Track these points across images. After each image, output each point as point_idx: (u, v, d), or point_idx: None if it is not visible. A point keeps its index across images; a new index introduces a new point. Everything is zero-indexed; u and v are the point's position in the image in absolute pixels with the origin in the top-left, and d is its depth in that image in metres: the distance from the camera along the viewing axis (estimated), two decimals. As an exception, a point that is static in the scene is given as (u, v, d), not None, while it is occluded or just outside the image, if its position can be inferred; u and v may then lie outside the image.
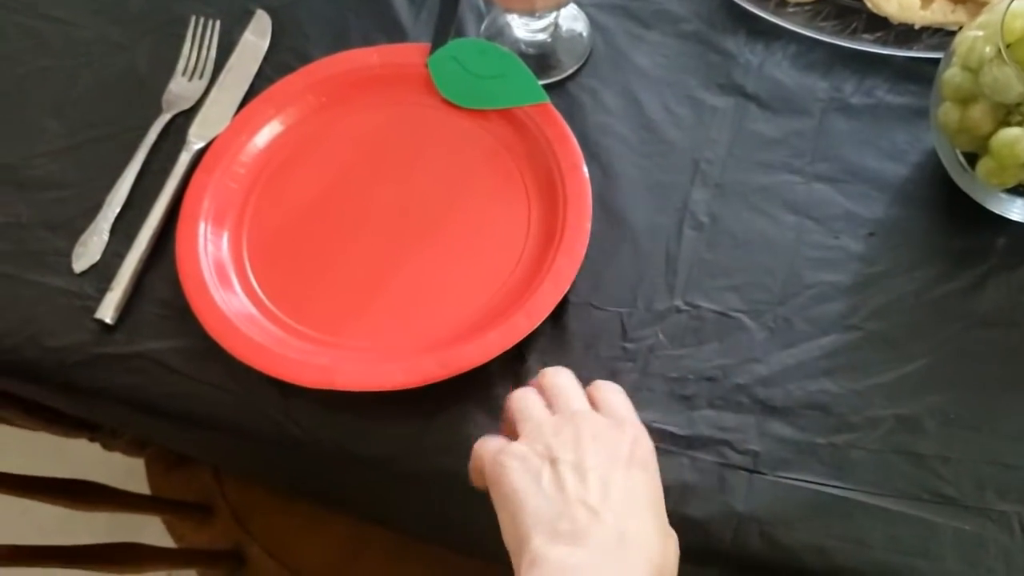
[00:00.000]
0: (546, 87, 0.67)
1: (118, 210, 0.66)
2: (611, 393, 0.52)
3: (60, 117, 0.70)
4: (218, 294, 0.61)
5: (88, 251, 0.65)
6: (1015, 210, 0.59)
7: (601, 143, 0.66)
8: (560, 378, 0.52)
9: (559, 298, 0.59)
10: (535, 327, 0.58)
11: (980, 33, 0.57)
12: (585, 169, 0.63)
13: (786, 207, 0.63)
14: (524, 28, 0.69)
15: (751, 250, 0.62)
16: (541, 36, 0.69)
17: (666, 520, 0.47)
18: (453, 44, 0.68)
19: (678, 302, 0.60)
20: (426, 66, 0.68)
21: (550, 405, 0.51)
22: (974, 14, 0.66)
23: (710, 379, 0.58)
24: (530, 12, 0.66)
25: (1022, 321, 0.58)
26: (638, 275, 0.61)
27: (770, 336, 0.59)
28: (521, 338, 0.58)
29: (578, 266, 0.60)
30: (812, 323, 0.59)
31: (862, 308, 0.59)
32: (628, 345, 0.59)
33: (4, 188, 0.68)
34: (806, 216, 0.62)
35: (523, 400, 0.51)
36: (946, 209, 0.62)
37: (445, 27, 0.68)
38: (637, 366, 0.58)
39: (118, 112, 0.70)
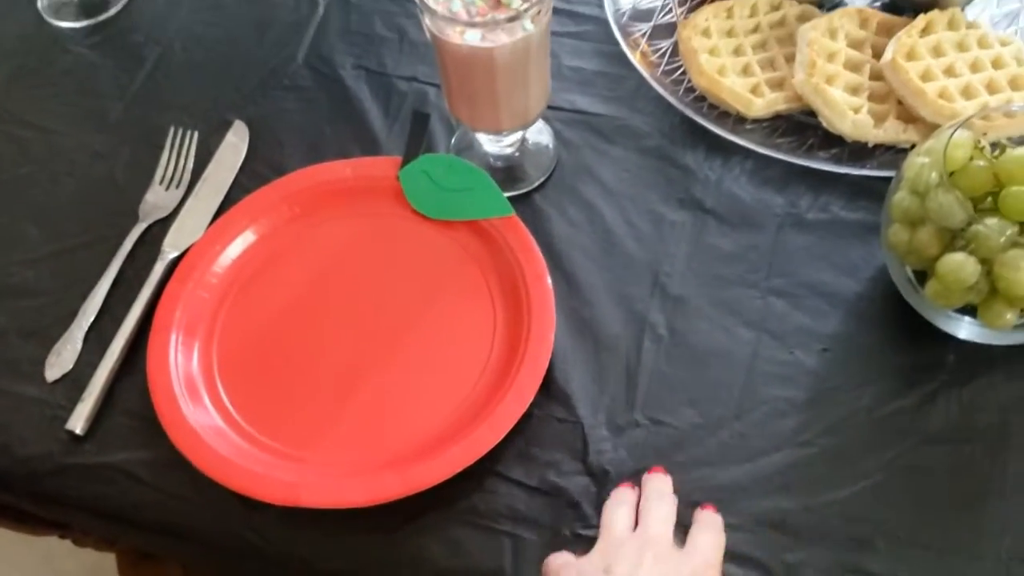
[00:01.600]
0: (513, 199, 0.69)
1: (92, 319, 0.67)
2: (701, 531, 0.55)
3: (40, 224, 0.72)
4: (186, 407, 0.62)
5: (61, 360, 0.66)
6: (963, 329, 0.61)
7: (565, 254, 0.68)
8: (656, 496, 0.56)
9: (522, 411, 0.60)
10: (497, 442, 0.59)
11: (926, 160, 0.59)
12: (549, 280, 0.65)
13: (743, 322, 0.65)
14: (492, 144, 0.71)
15: (708, 364, 0.63)
16: (509, 150, 0.72)
17: None
18: (423, 158, 0.70)
19: (638, 416, 0.61)
20: (397, 179, 0.70)
21: (637, 516, 0.55)
22: (924, 133, 0.69)
23: (668, 493, 0.59)
24: (496, 132, 0.69)
25: (972, 437, 0.60)
26: (599, 388, 0.63)
27: (727, 451, 0.60)
28: (484, 453, 0.59)
29: (541, 379, 0.61)
30: (767, 438, 0.60)
31: (816, 423, 0.61)
32: (590, 459, 0.60)
33: (-20, 295, 0.69)
34: (762, 331, 0.64)
35: (611, 513, 0.56)
36: (897, 325, 0.64)
37: (416, 142, 0.71)
38: (597, 480, 0.60)
39: (96, 220, 0.72)
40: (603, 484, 0.59)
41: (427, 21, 0.61)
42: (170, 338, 0.65)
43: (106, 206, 0.73)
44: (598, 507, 0.58)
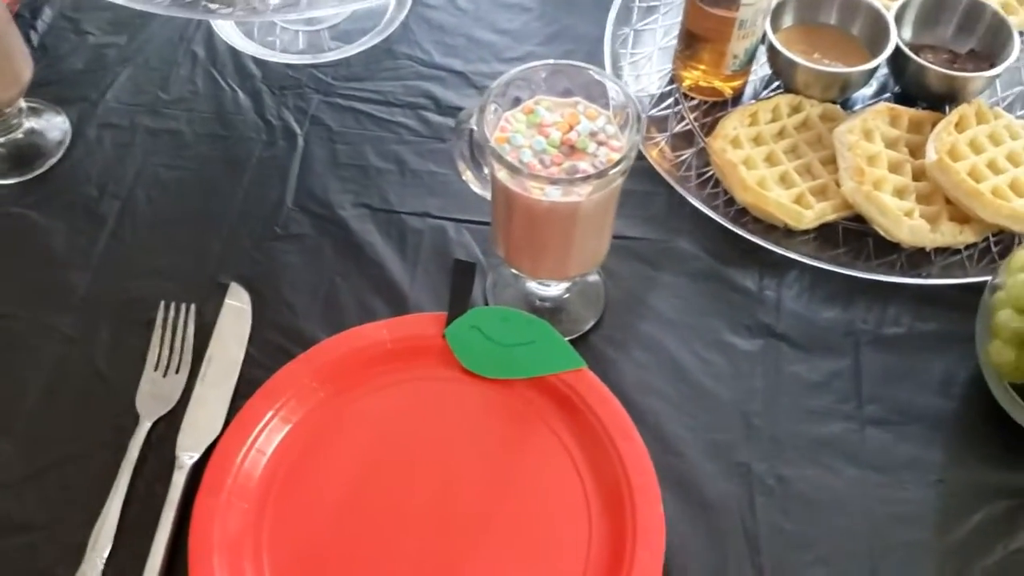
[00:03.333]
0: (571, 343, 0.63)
1: (107, 554, 0.55)
2: None
3: (11, 437, 0.60)
4: (254, 653, 0.52)
5: (78, 613, 0.54)
6: (1078, 444, 0.59)
7: (641, 403, 0.62)
8: None
9: (650, 605, 0.53)
10: (631, 646, 0.52)
11: (1026, 275, 0.57)
12: (640, 438, 0.59)
13: (847, 460, 0.60)
14: (542, 288, 0.64)
15: (827, 513, 0.58)
16: (557, 292, 0.65)
17: None
18: (472, 313, 0.62)
19: (771, 587, 0.56)
20: (443, 337, 0.62)
21: None
22: (980, 233, 0.68)
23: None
24: (560, 280, 0.62)
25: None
26: (721, 558, 0.56)
27: (872, 612, 0.55)
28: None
29: (661, 561, 0.55)
30: (910, 590, 0.56)
31: (955, 563, 0.57)
32: (731, 646, 0.54)
33: (-47, 539, 0.56)
34: (869, 467, 0.60)
35: None
36: (1005, 445, 0.61)
37: (461, 295, 0.63)
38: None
39: (83, 423, 0.60)
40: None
41: (500, 175, 0.54)
42: (212, 567, 0.54)
43: (94, 404, 0.61)
44: None
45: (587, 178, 0.52)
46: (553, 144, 0.54)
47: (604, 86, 0.55)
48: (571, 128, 0.55)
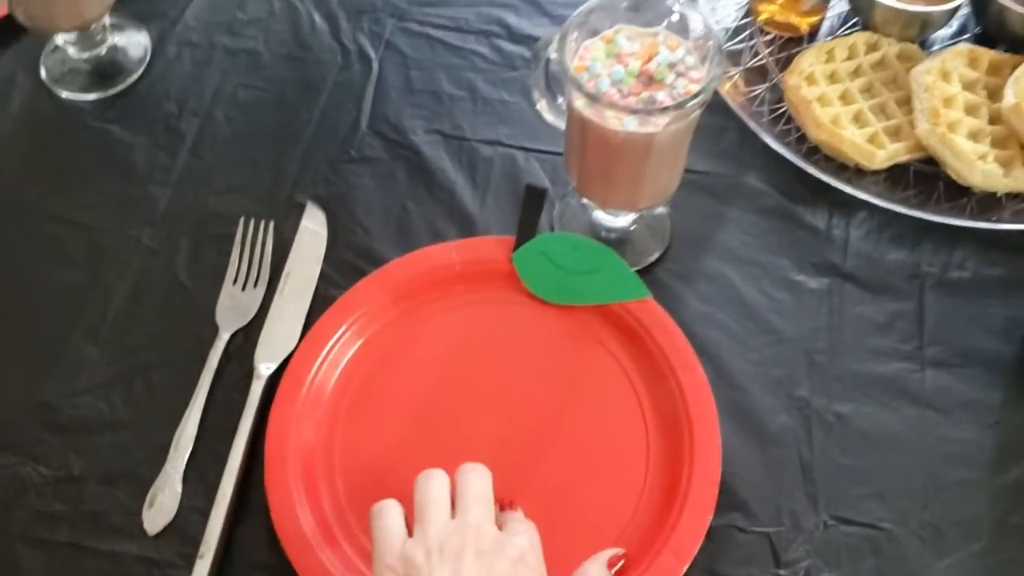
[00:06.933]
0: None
1: (187, 454, 0.58)
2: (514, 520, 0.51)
3: (98, 343, 0.63)
4: (324, 554, 0.55)
5: (161, 508, 0.57)
6: None
7: (704, 336, 0.63)
8: (471, 483, 0.51)
9: (704, 531, 0.55)
10: (685, 568, 0.54)
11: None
12: (701, 370, 0.60)
13: (907, 399, 0.61)
14: (609, 218, 0.65)
15: (883, 450, 0.59)
16: (624, 223, 0.66)
17: None
18: (540, 239, 0.64)
19: (824, 517, 0.57)
20: (511, 261, 0.64)
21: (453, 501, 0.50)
22: (1052, 181, 0.67)
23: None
24: (630, 210, 0.63)
25: None
26: (776, 488, 0.58)
27: (922, 546, 0.56)
28: (672, 581, 0.54)
29: (716, 489, 0.56)
30: (961, 527, 0.57)
31: (1006, 504, 0.58)
32: (782, 572, 0.56)
33: (46, 434, 0.59)
34: (928, 407, 0.61)
35: (425, 493, 0.50)
36: (1066, 390, 0.61)
37: (531, 221, 0.64)
38: (794, 593, 0.55)
39: (165, 332, 0.63)
40: (805, 599, 0.55)
41: (577, 103, 0.55)
42: (288, 472, 0.57)
43: (175, 314, 0.64)
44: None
45: (665, 109, 0.53)
46: (632, 73, 0.54)
47: (686, 17, 0.55)
48: (650, 58, 0.55)
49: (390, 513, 0.50)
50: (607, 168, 0.58)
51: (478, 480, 0.52)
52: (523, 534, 0.50)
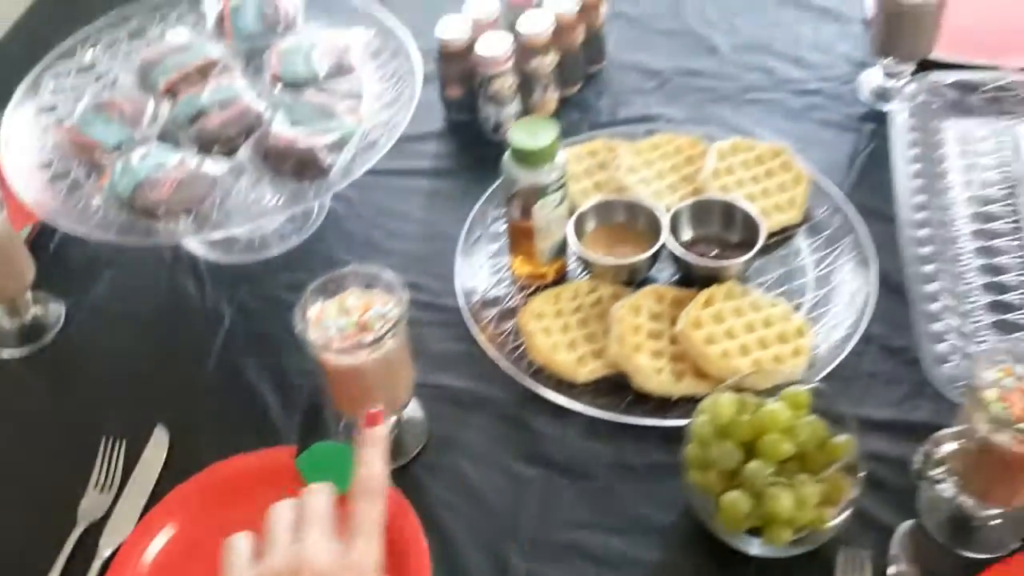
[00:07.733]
0: (396, 470, 0.84)
1: (37, 619, 0.78)
2: (360, 503, 0.58)
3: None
4: None
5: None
6: (753, 546, 0.76)
7: (439, 513, 0.83)
8: (306, 504, 0.58)
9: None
10: None
11: (705, 417, 0.77)
12: (423, 538, 0.79)
13: (586, 559, 0.79)
14: (372, 426, 0.87)
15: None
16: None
17: None
18: (315, 447, 0.85)
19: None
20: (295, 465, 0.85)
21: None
22: (716, 385, 0.87)
23: None
24: (374, 420, 0.85)
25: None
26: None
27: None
28: None
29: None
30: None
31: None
32: None
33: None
34: (604, 565, 0.79)
35: (269, 523, 0.58)
36: (707, 549, 0.79)
37: (308, 432, 0.86)
38: None
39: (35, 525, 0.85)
40: None
41: (309, 348, 0.78)
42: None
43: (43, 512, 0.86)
44: None
45: (361, 346, 0.75)
46: (351, 323, 0.78)
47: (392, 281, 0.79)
48: (367, 311, 0.78)
49: (238, 544, 0.57)
50: (342, 389, 0.81)
51: (315, 501, 0.58)
52: (360, 548, 0.55)
